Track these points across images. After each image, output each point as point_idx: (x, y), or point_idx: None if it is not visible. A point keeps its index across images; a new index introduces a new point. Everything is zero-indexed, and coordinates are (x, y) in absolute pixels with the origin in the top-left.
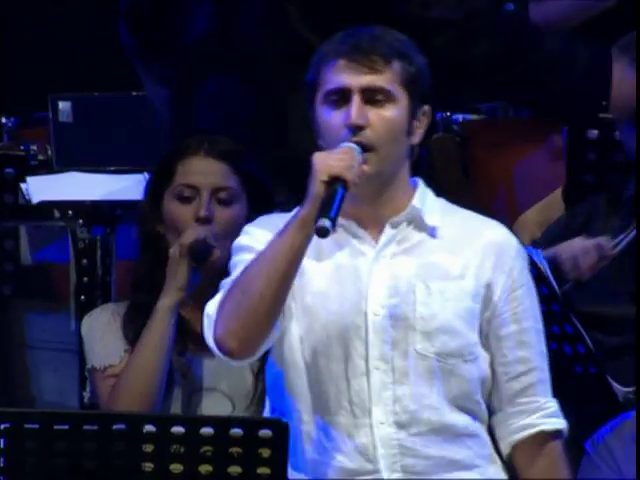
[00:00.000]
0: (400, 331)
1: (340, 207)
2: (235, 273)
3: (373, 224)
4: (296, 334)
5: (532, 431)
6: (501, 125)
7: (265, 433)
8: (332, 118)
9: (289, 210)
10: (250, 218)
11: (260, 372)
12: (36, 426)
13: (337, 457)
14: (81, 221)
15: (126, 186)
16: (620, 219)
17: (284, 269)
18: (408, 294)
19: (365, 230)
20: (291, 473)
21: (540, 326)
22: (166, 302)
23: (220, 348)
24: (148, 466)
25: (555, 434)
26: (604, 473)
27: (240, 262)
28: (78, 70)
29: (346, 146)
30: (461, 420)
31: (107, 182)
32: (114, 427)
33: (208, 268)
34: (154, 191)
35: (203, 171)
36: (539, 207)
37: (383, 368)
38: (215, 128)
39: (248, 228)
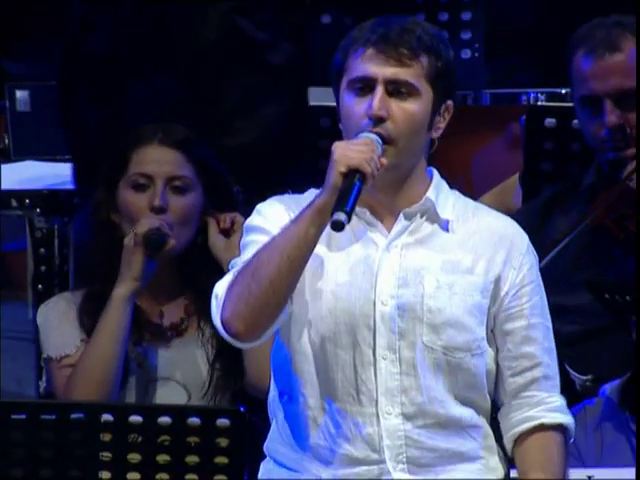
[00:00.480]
0: (408, 322)
1: (357, 201)
2: (246, 254)
3: (387, 214)
4: (304, 318)
5: (532, 424)
6: (459, 114)
7: (223, 422)
8: (354, 106)
9: (301, 192)
10: (206, 207)
11: (216, 361)
12: None
13: (342, 445)
14: (39, 210)
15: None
16: (577, 211)
17: (296, 257)
18: (417, 286)
19: (378, 219)
20: (295, 461)
21: (549, 323)
22: (121, 292)
23: (226, 330)
24: (106, 455)
25: (556, 428)
26: None
27: (251, 242)
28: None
29: (367, 136)
30: (466, 413)
31: (65, 171)
32: (72, 416)
33: (163, 257)
34: (109, 180)
35: (157, 160)
36: (494, 192)
37: (390, 358)
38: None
39: (260, 208)
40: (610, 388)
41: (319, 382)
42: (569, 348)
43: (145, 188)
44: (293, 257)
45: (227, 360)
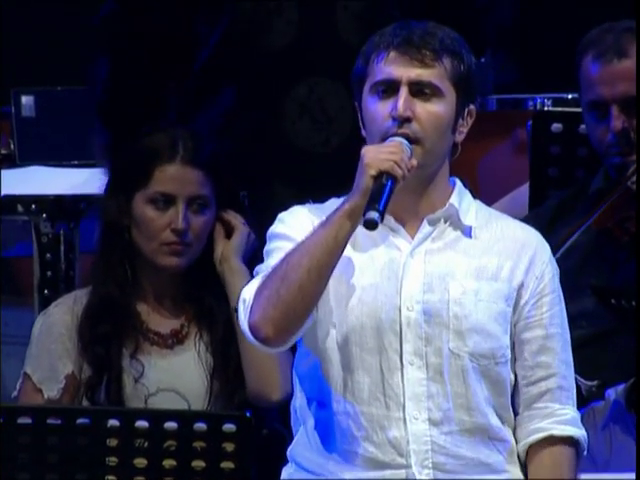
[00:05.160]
0: (434, 328)
1: (389, 200)
2: (271, 260)
3: (410, 219)
4: (330, 323)
5: (541, 435)
6: None
7: (229, 427)
8: (378, 108)
9: (321, 201)
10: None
11: (216, 371)
12: None
13: (368, 448)
14: (44, 215)
15: (90, 180)
16: (582, 213)
17: (325, 260)
18: (442, 292)
19: (401, 224)
20: (320, 465)
21: (567, 335)
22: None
23: (255, 334)
24: (112, 460)
25: (566, 440)
26: None
27: (276, 249)
28: (41, 64)
29: (396, 140)
30: (492, 423)
31: (70, 176)
32: (78, 421)
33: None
34: (124, 187)
35: (180, 180)
36: (502, 203)
37: (417, 364)
38: None
39: (283, 216)
40: (616, 391)
41: (346, 386)
42: (574, 353)
43: (166, 207)
44: (322, 261)
45: (227, 369)
